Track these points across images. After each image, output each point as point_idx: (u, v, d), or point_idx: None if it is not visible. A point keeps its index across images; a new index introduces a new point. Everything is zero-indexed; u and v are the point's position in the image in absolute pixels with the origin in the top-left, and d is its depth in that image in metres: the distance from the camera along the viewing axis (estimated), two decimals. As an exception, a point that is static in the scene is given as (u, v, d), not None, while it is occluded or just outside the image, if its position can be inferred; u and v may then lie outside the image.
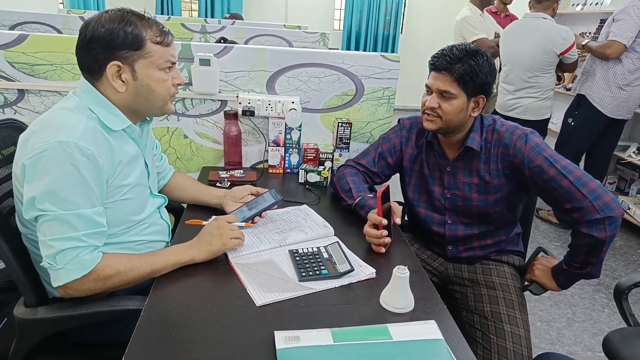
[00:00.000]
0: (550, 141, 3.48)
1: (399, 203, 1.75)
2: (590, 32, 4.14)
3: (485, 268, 1.50)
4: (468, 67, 1.31)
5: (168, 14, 6.07)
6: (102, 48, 1.01)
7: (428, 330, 0.92)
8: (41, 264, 0.97)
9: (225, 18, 4.79)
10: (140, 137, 1.20)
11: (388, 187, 1.26)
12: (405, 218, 1.78)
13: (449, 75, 1.32)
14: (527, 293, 1.48)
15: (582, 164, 3.47)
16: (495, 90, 3.50)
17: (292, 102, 1.70)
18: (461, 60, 1.31)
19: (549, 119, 3.25)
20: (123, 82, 1.06)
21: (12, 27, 3.20)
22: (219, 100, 1.74)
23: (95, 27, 1.01)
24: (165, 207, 1.40)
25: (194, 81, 1.67)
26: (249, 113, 1.70)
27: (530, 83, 3.09)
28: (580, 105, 3.16)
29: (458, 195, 1.46)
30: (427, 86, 1.39)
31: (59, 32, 3.21)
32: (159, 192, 1.45)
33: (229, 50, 1.68)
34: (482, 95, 1.37)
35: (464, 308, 1.45)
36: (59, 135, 0.95)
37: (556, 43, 2.94)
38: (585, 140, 3.22)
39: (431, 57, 1.38)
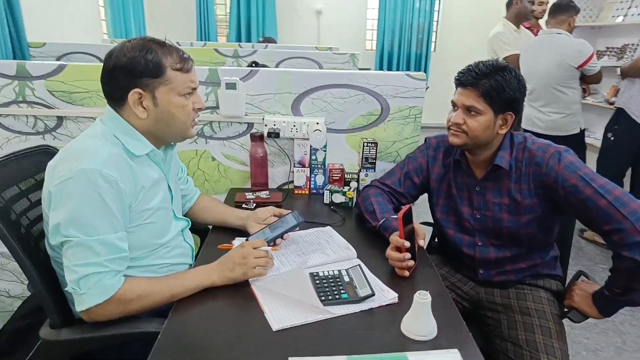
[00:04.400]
0: (592, 157, 3.34)
1: (428, 224, 1.71)
2: (633, 44, 3.97)
3: (520, 293, 1.42)
4: (494, 83, 1.27)
5: (204, 40, 6.29)
6: (124, 76, 1.05)
7: (450, 359, 0.87)
8: (65, 289, 0.99)
9: (259, 42, 4.91)
10: (164, 161, 1.22)
11: (410, 208, 1.22)
12: (435, 240, 1.74)
13: (475, 90, 1.29)
14: (566, 320, 1.38)
15: (627, 182, 3.29)
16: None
17: (317, 123, 1.70)
18: (487, 75, 1.28)
19: (580, 133, 3.14)
20: (144, 108, 1.08)
21: (59, 58, 3.40)
22: (245, 122, 1.77)
23: (117, 56, 1.05)
24: (191, 228, 1.42)
25: (221, 105, 1.71)
26: (274, 135, 1.71)
27: (553, 98, 3.04)
28: (620, 119, 3.05)
29: (488, 216, 1.41)
30: (452, 102, 1.36)
31: (101, 61, 3.37)
32: (184, 215, 1.48)
33: (255, 74, 1.71)
34: (511, 112, 1.32)
35: (497, 335, 1.37)
36: (83, 163, 0.98)
37: (571, 56, 2.91)
38: (626, 156, 3.08)
39: (457, 73, 1.35)
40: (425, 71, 6.98)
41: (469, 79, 1.30)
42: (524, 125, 3.30)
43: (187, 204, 1.49)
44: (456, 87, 1.36)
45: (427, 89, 3.95)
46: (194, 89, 1.13)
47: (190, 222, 1.35)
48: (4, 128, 1.70)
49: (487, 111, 1.30)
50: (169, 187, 1.23)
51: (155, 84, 1.06)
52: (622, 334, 2.25)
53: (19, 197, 1.17)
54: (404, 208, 1.20)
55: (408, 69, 6.94)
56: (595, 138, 3.93)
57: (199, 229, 1.55)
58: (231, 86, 1.66)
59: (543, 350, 1.25)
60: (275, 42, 4.98)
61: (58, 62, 1.66)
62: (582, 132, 3.17)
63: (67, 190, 0.97)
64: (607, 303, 1.29)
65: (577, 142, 3.14)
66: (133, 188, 1.07)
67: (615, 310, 1.31)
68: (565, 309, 1.40)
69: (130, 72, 1.05)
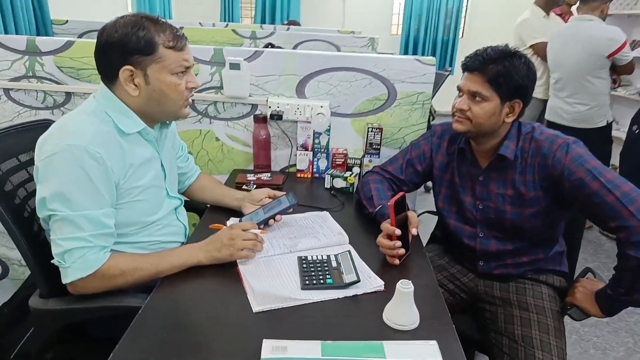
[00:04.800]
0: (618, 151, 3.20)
1: (432, 213, 1.67)
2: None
3: (520, 287, 1.38)
4: (502, 68, 1.22)
5: (227, 21, 6.28)
6: (116, 53, 1.04)
7: (427, 351, 0.85)
8: (51, 261, 1.01)
9: (284, 24, 4.87)
10: (158, 139, 1.22)
11: (403, 195, 1.19)
12: (436, 229, 1.70)
13: (481, 76, 1.24)
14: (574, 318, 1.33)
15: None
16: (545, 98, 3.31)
17: (321, 107, 1.67)
18: (495, 60, 1.23)
19: (607, 126, 3.00)
20: (136, 86, 1.08)
21: (80, 35, 3.45)
22: (249, 104, 1.75)
23: (109, 32, 1.04)
24: (189, 207, 1.42)
25: (225, 85, 1.70)
26: (276, 117, 1.69)
27: (580, 88, 2.89)
28: None
29: (490, 207, 1.36)
30: (458, 87, 1.31)
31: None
32: (183, 193, 1.49)
33: (260, 55, 1.69)
34: (518, 100, 1.27)
35: (493, 329, 1.34)
36: (70, 139, 0.99)
37: (602, 45, 2.76)
38: None
39: (465, 58, 1.30)
40: (452, 58, 6.81)
41: (475, 63, 1.25)
42: (548, 117, 3.19)
43: (187, 182, 1.50)
44: (463, 72, 1.31)
45: (448, 75, 3.86)
46: (188, 67, 1.11)
47: (184, 201, 1.35)
48: (14, 102, 1.74)
49: (493, 98, 1.24)
50: (162, 165, 1.23)
51: (146, 61, 1.05)
52: (634, 334, 2.17)
53: (18, 169, 1.20)
54: (397, 195, 1.16)
55: (434, 55, 6.77)
56: (624, 132, 3.76)
57: (197, 207, 1.56)
58: (235, 66, 1.64)
59: (538, 346, 1.21)
60: (299, 26, 4.92)
61: (66, 39, 1.68)
62: (609, 125, 3.04)
63: (53, 165, 0.98)
64: (610, 302, 1.24)
65: (603, 135, 3.02)
66: (121, 166, 1.07)
67: (619, 311, 1.26)
68: (567, 306, 1.35)
69: (121, 48, 1.03)
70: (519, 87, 1.24)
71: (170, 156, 1.31)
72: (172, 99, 1.11)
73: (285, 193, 1.35)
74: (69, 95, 1.74)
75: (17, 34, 2.95)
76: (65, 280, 1.00)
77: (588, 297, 1.29)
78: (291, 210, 1.33)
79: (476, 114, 1.26)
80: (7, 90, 1.72)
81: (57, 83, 1.72)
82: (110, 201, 1.05)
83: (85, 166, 0.98)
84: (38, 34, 3.25)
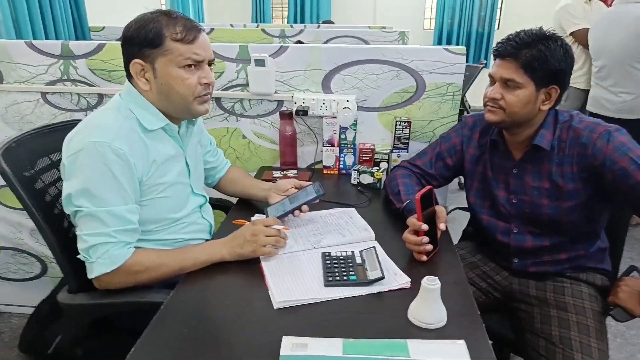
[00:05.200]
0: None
1: (463, 209, 1.61)
2: None
3: (558, 286, 1.31)
4: (537, 53, 1.15)
5: (258, 22, 6.34)
6: (129, 47, 1.07)
7: (454, 351, 0.81)
8: (77, 257, 1.03)
9: (318, 24, 4.87)
10: (184, 136, 1.23)
11: (431, 189, 1.15)
12: (470, 226, 1.63)
13: (514, 61, 1.17)
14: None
15: None
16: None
17: (347, 101, 1.64)
18: (529, 45, 1.16)
19: None
20: (147, 80, 1.08)
21: (119, 40, 3.56)
22: (275, 100, 1.75)
23: (128, 27, 1.06)
24: (215, 205, 1.43)
25: (250, 82, 1.69)
26: (302, 112, 1.67)
27: (626, 76, 2.71)
28: None
29: (525, 201, 1.29)
30: (490, 76, 1.25)
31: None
32: (214, 187, 1.49)
33: (285, 50, 1.67)
34: (555, 86, 1.20)
35: (529, 330, 1.27)
36: (94, 135, 1.01)
37: None
38: None
39: (496, 44, 1.24)
40: (487, 51, 6.60)
41: (508, 49, 1.19)
42: (590, 108, 3.02)
43: (217, 175, 1.51)
44: (494, 60, 1.25)
45: (482, 67, 3.74)
46: (199, 61, 1.08)
47: (208, 198, 1.35)
48: (51, 105, 1.80)
49: (527, 84, 1.18)
50: (187, 162, 1.24)
51: (154, 54, 1.05)
52: (687, 339, 2.02)
53: (49, 168, 1.23)
54: (424, 189, 1.12)
55: (468, 48, 6.59)
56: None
57: (223, 204, 1.57)
58: (260, 63, 1.63)
59: (578, 348, 1.14)
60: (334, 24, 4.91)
61: (98, 42, 1.72)
62: None
63: (79, 162, 1.00)
64: (657, 302, 1.15)
65: None
66: (144, 162, 1.08)
67: (668, 312, 1.17)
68: (610, 307, 1.26)
69: (132, 42, 1.05)
70: (555, 71, 1.17)
71: (195, 153, 1.32)
72: (180, 93, 1.08)
73: (311, 183, 1.33)
74: (101, 96, 1.79)
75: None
76: (90, 275, 1.02)
77: (633, 296, 1.20)
78: (318, 200, 1.30)
79: (510, 102, 1.19)
80: (44, 94, 1.79)
81: (90, 85, 1.77)
82: (134, 197, 1.06)
83: (108, 162, 1.00)
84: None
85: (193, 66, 1.08)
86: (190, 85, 1.08)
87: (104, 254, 1.00)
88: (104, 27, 3.55)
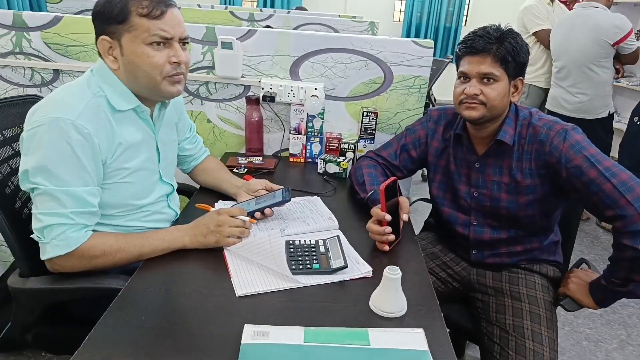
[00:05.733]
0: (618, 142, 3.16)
1: (425, 200, 1.64)
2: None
3: (513, 277, 1.36)
4: (509, 46, 1.19)
5: (227, 4, 6.18)
6: (97, 23, 1.02)
7: (413, 339, 0.82)
8: (31, 236, 0.98)
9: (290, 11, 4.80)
10: (157, 119, 1.18)
11: (395, 180, 1.16)
12: (430, 217, 1.67)
13: (489, 56, 1.19)
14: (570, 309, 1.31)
15: None
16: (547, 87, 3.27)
17: (315, 89, 1.63)
18: (499, 39, 1.19)
19: (608, 117, 2.96)
20: (115, 58, 1.04)
21: (77, 13, 3.39)
22: (242, 85, 1.71)
23: (97, 3, 1.02)
24: (179, 190, 1.38)
25: (217, 65, 1.65)
26: (269, 99, 1.65)
27: (584, 77, 2.84)
28: None
29: (485, 195, 1.33)
30: (462, 73, 1.24)
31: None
32: (188, 173, 1.45)
33: (253, 34, 1.64)
34: (521, 78, 1.25)
35: (485, 319, 1.32)
36: (58, 111, 0.95)
37: (609, 32, 2.71)
38: None
39: (462, 42, 1.25)
40: (454, 46, 6.71)
41: (480, 44, 1.20)
42: (549, 106, 3.15)
43: (193, 163, 1.47)
44: (462, 57, 1.25)
45: (449, 62, 3.80)
46: (167, 38, 1.03)
47: (176, 187, 1.31)
48: (1, 79, 1.70)
49: (503, 77, 1.21)
50: (158, 148, 1.19)
51: (120, 30, 1.00)
52: (627, 327, 2.15)
53: (1, 145, 1.16)
54: (388, 180, 1.13)
55: (436, 42, 6.68)
56: (624, 123, 3.72)
57: (188, 190, 1.53)
58: (227, 45, 1.59)
59: (529, 336, 1.19)
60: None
61: (54, 14, 1.63)
62: (611, 115, 3.00)
63: (38, 137, 0.94)
64: (604, 293, 1.22)
65: (604, 126, 2.98)
66: (110, 144, 1.03)
67: (612, 302, 1.23)
68: (560, 297, 1.33)
69: (100, 18, 1.01)
70: (523, 63, 1.23)
71: (169, 139, 1.27)
72: (146, 72, 1.03)
73: (282, 187, 1.30)
74: (57, 72, 1.70)
75: (9, 11, 2.89)
76: (43, 256, 0.97)
77: (582, 287, 1.27)
78: (283, 205, 1.28)
79: (490, 96, 1.21)
80: (-7, 67, 1.68)
81: (45, 60, 1.68)
82: (95, 179, 1.01)
83: (71, 141, 0.95)
84: (31, 12, 3.19)
85: (162, 44, 1.03)
86: (157, 65, 1.03)
87: (60, 235, 0.96)
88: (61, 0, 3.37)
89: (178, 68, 1.07)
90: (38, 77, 1.70)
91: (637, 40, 3.20)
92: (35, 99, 1.30)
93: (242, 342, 0.79)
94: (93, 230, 1.03)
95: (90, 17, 1.05)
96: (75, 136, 0.95)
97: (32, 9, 3.19)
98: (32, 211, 0.98)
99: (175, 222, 1.30)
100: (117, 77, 1.06)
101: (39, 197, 0.96)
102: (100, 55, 1.07)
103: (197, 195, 1.41)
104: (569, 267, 1.40)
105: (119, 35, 1.01)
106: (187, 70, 1.12)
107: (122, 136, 1.07)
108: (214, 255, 1.08)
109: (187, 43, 1.11)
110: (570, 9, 3.59)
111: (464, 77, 1.25)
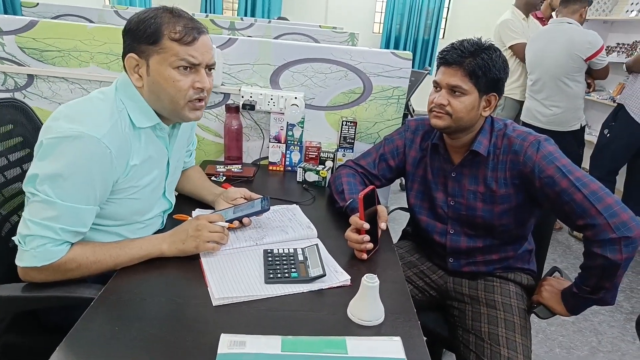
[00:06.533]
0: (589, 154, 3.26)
1: (403, 209, 1.66)
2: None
3: (488, 285, 1.38)
4: (480, 61, 1.21)
5: (207, 13, 6.17)
6: (128, 40, 1.02)
7: (390, 347, 0.82)
8: (13, 238, 0.96)
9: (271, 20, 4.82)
10: (171, 137, 1.18)
11: (374, 189, 1.17)
12: (408, 226, 1.68)
13: (460, 69, 1.22)
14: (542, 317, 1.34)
15: (621, 183, 3.21)
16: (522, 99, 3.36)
17: (295, 98, 1.64)
18: (473, 54, 1.21)
19: (580, 130, 3.06)
20: (140, 77, 1.04)
21: (54, 18, 3.33)
22: (221, 92, 1.71)
23: (130, 20, 1.02)
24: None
25: (196, 72, 1.64)
26: (248, 107, 1.65)
27: (557, 91, 2.94)
28: (618, 116, 2.96)
29: (462, 204, 1.35)
30: (435, 83, 1.29)
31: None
32: None
33: (234, 42, 1.64)
34: (494, 93, 1.26)
35: (461, 327, 1.33)
36: (87, 126, 0.94)
37: (582, 47, 2.82)
38: (620, 155, 3.00)
39: (440, 52, 1.28)
40: (431, 58, 6.84)
41: (453, 57, 1.23)
42: (524, 118, 3.23)
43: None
44: (438, 67, 1.29)
45: (427, 74, 3.86)
46: (194, 64, 1.03)
47: (172, 206, 1.30)
48: (-27, 83, 1.65)
49: (472, 91, 1.23)
50: (168, 164, 1.19)
51: (150, 51, 1.01)
52: (598, 334, 2.21)
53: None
54: (367, 189, 1.14)
55: (414, 54, 6.80)
56: (595, 135, 3.84)
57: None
58: (207, 53, 1.58)
59: (504, 344, 1.21)
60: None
61: (30, 18, 1.60)
62: (583, 128, 3.10)
63: (62, 147, 0.92)
64: (575, 301, 1.25)
65: (576, 138, 3.07)
66: (125, 164, 1.03)
67: (583, 309, 1.26)
68: (533, 305, 1.35)
69: (131, 36, 1.01)
70: (496, 80, 1.24)
71: (179, 155, 1.28)
72: (170, 94, 1.04)
73: (261, 197, 1.30)
74: (31, 77, 1.66)
75: (-18, 14, 2.82)
76: (18, 262, 0.95)
77: (554, 295, 1.30)
78: (262, 214, 1.27)
79: (456, 108, 1.24)
80: (-36, 70, 1.64)
81: (19, 64, 1.64)
82: (99, 199, 1.00)
83: (92, 160, 0.94)
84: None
85: (188, 68, 1.03)
86: (182, 88, 1.03)
87: (40, 247, 0.93)
88: (37, 4, 3.30)
89: (201, 93, 1.08)
90: (11, 82, 1.67)
91: (608, 56, 3.34)
92: (14, 102, 1.25)
93: (219, 352, 0.78)
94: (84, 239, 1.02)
95: (121, 31, 1.04)
96: (98, 156, 0.95)
97: (6, 13, 3.11)
98: (23, 214, 0.95)
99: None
100: (141, 95, 1.06)
101: (36, 204, 0.94)
102: (125, 70, 1.06)
103: (174, 205, 1.38)
104: (542, 276, 1.43)
105: (148, 56, 1.01)
106: (209, 95, 1.12)
107: (137, 156, 1.06)
108: (190, 264, 1.06)
109: (213, 69, 1.11)
110: (544, 24, 3.71)
111: (437, 86, 1.28)
